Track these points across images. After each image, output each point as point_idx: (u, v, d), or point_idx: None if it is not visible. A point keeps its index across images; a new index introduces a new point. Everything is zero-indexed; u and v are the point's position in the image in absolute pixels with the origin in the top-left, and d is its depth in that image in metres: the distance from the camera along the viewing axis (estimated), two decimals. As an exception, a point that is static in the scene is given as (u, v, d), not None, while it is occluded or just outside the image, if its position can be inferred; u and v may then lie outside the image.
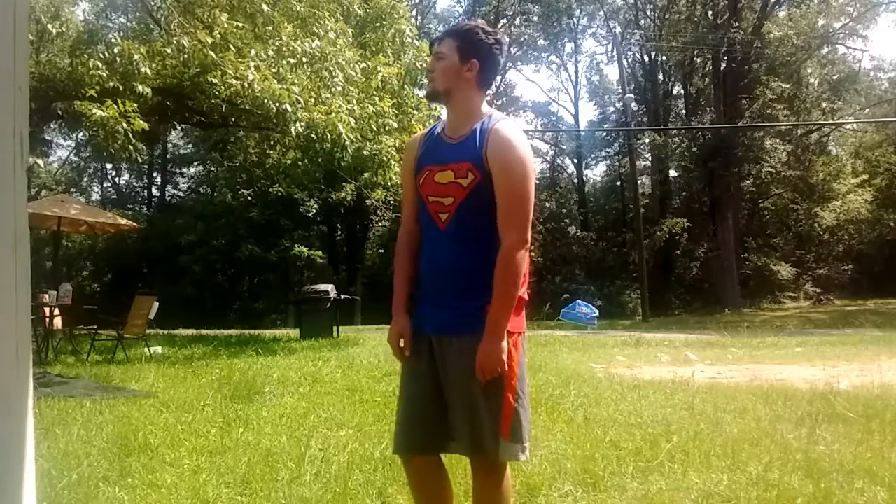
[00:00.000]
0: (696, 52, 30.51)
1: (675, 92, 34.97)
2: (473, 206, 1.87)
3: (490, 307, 1.83)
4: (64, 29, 12.46)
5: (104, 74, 8.07)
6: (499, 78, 36.29)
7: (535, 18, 34.92)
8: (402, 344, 1.98)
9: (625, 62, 32.16)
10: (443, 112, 2.09)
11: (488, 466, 1.92)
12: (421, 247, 2.03)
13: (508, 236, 1.83)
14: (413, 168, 2.02)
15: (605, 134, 36.01)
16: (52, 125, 18.45)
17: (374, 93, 9.65)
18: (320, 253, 26.74)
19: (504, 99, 35.99)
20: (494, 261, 1.84)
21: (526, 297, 1.94)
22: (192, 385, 5.93)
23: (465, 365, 1.85)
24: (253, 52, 8.34)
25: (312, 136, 8.77)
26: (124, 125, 8.12)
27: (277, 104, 8.11)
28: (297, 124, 8.34)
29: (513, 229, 1.83)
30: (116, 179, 34.07)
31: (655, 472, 3.06)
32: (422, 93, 12.34)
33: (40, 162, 15.87)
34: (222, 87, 8.35)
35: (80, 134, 22.17)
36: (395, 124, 9.82)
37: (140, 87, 8.03)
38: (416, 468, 2.02)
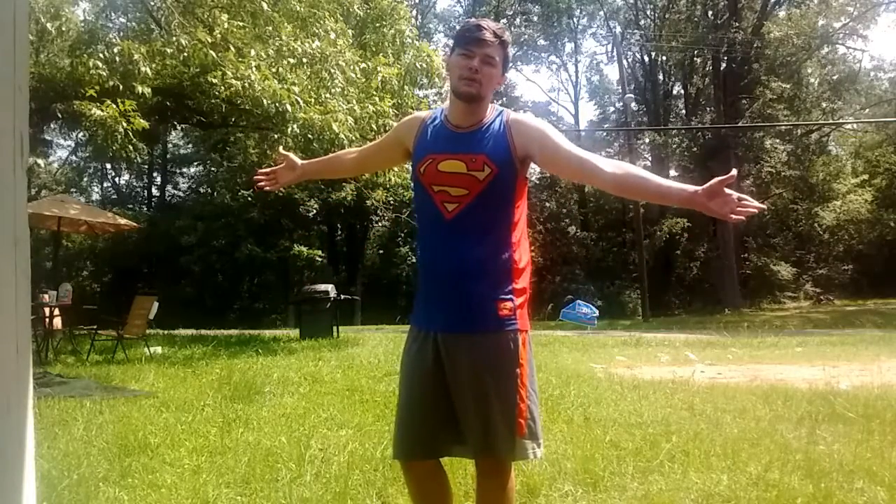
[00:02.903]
0: (696, 52, 30.51)
1: (675, 92, 34.99)
2: (487, 199, 1.85)
3: (654, 182, 1.82)
4: (64, 29, 12.44)
5: (104, 74, 8.06)
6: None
7: (535, 18, 34.97)
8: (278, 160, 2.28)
9: (625, 62, 32.20)
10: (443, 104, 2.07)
11: (496, 467, 1.88)
12: (420, 246, 2.01)
13: (597, 161, 1.88)
14: (407, 146, 2.04)
15: (605, 134, 36.02)
16: (52, 125, 18.44)
17: (375, 93, 9.65)
18: (320, 252, 26.73)
19: (504, 99, 35.99)
20: (499, 253, 1.86)
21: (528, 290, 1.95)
22: (192, 385, 5.93)
23: (478, 362, 1.82)
24: (253, 51, 8.34)
25: (309, 136, 8.75)
26: (124, 125, 8.12)
27: (277, 104, 8.10)
28: (294, 125, 8.34)
29: (591, 156, 1.89)
30: (116, 179, 34.10)
31: (655, 472, 3.06)
32: (421, 92, 12.33)
33: (40, 162, 15.89)
34: (222, 87, 8.34)
35: (80, 134, 22.16)
36: (395, 124, 9.81)
37: (140, 88, 8.03)
38: (416, 473, 1.97)
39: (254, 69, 7.98)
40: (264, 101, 8.05)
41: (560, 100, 46.65)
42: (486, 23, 1.90)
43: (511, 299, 1.86)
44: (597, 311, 18.49)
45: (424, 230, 1.97)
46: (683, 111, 34.05)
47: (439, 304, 1.90)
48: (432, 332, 1.90)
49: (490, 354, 1.83)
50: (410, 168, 2.01)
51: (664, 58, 32.77)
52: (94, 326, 9.12)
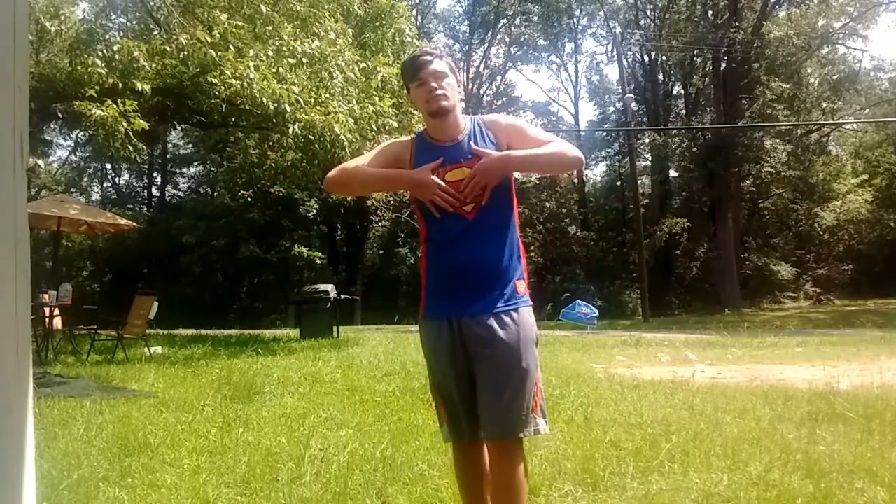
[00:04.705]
0: (696, 52, 30.52)
1: (675, 92, 34.98)
2: (496, 194, 2.06)
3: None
4: (63, 28, 12.43)
5: (103, 72, 8.06)
6: (499, 78, 36.57)
7: (535, 18, 34.93)
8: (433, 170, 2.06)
9: (625, 62, 32.18)
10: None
11: (511, 447, 1.99)
12: (436, 247, 2.12)
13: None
14: (405, 166, 2.16)
15: (605, 134, 36.02)
16: (52, 125, 18.43)
17: (374, 92, 9.64)
18: (320, 253, 26.74)
19: (504, 99, 36.01)
20: (512, 239, 2.09)
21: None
22: (192, 385, 5.93)
23: (506, 339, 1.97)
24: (253, 51, 8.33)
25: (310, 136, 8.75)
26: (124, 125, 8.12)
27: (276, 104, 8.10)
28: (295, 125, 8.33)
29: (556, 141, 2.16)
30: (116, 179, 34.15)
31: (655, 472, 3.05)
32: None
33: (40, 162, 15.87)
34: (222, 87, 8.34)
35: (80, 134, 22.16)
36: (395, 124, 9.81)
37: (139, 85, 8.02)
38: (465, 452, 2.13)
39: (252, 69, 7.97)
40: (263, 100, 8.05)
41: (560, 100, 46.92)
42: (417, 51, 2.19)
43: (523, 278, 2.10)
44: (597, 311, 18.48)
45: (444, 234, 2.09)
46: (683, 111, 34.04)
47: (464, 293, 2.04)
48: (455, 319, 2.04)
49: (516, 329, 2.00)
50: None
51: (664, 58, 32.77)
52: (94, 326, 9.12)
